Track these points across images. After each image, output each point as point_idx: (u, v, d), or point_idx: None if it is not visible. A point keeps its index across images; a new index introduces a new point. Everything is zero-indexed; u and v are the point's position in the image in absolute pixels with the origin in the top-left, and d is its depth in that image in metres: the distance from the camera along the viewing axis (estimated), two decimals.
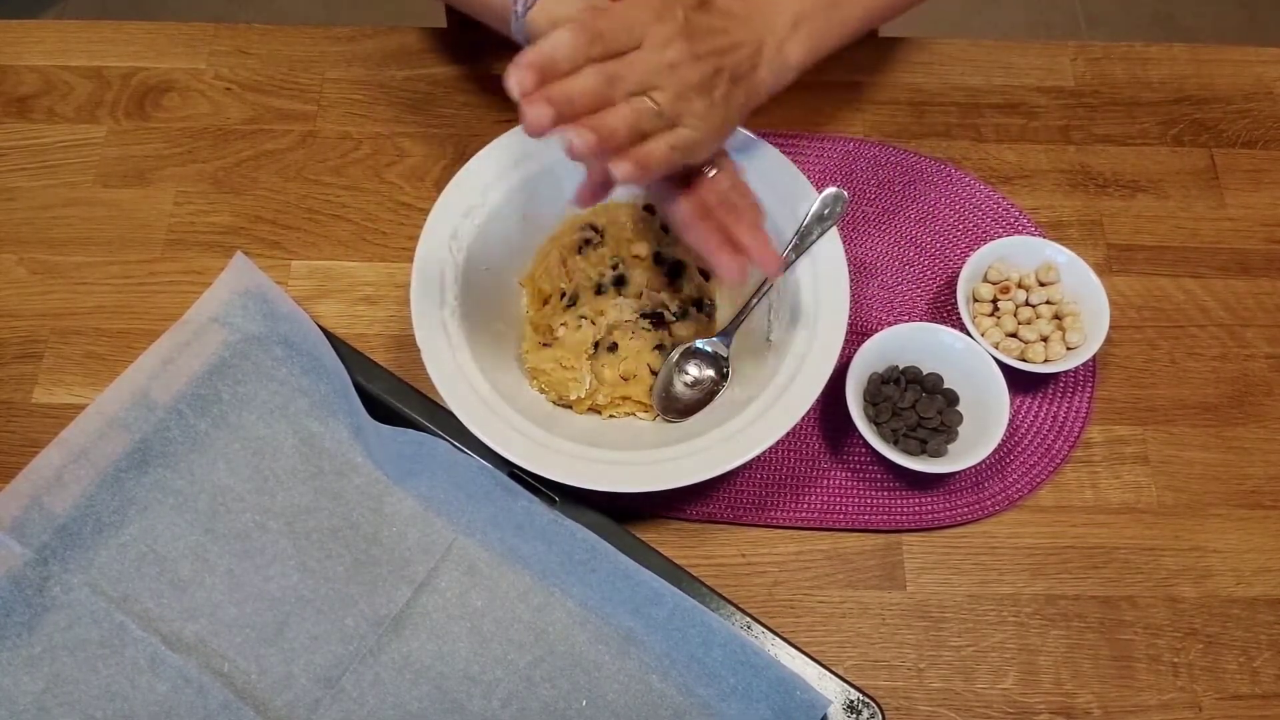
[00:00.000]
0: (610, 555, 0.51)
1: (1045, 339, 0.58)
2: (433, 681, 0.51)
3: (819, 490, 0.57)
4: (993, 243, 0.60)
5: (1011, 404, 0.54)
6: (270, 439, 0.56)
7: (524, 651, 0.52)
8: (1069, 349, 0.58)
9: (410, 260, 0.54)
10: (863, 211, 0.65)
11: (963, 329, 0.58)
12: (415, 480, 0.55)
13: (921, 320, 0.60)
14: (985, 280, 0.61)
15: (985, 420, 0.55)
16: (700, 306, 0.59)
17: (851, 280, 0.54)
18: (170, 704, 0.50)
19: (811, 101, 0.69)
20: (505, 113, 0.68)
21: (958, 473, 0.57)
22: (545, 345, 0.57)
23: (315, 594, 0.53)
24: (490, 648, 0.52)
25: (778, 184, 0.57)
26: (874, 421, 0.56)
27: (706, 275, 0.60)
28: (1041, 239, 0.61)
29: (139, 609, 0.52)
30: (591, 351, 0.57)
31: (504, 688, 0.51)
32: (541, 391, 0.57)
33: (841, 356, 0.52)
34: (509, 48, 0.74)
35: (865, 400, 0.57)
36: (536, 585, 0.53)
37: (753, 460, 0.50)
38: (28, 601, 0.51)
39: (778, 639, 0.50)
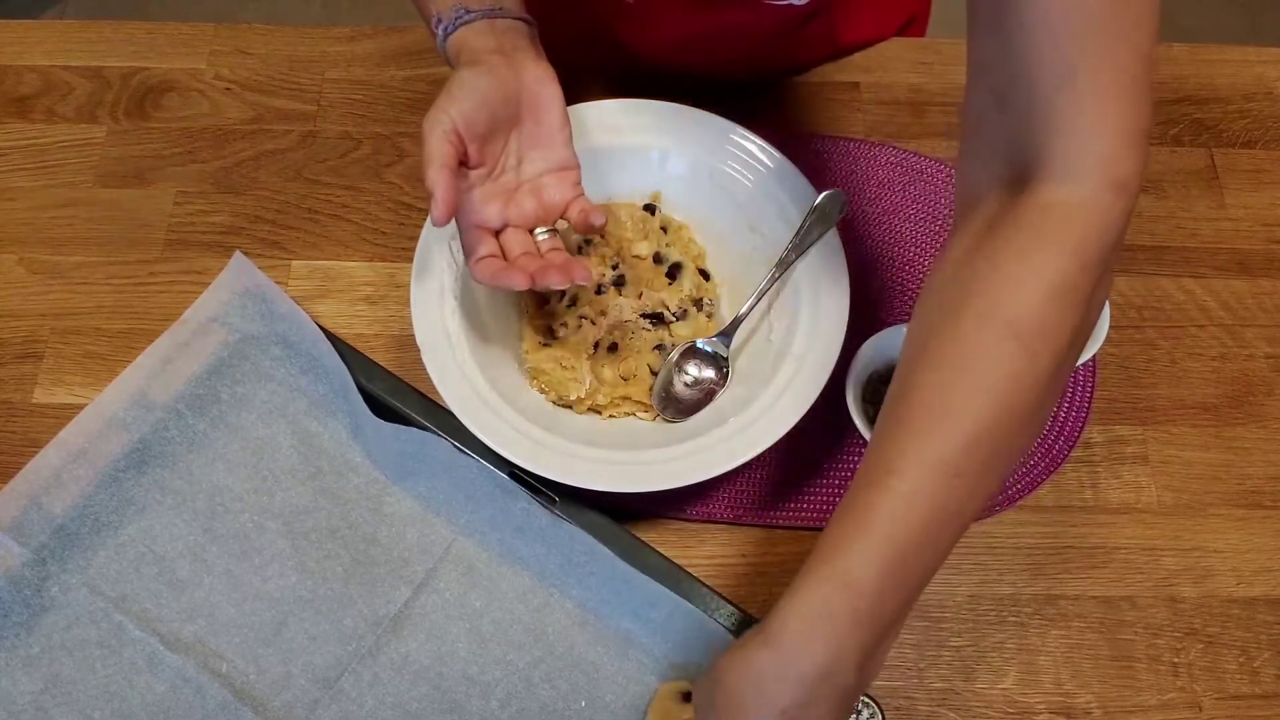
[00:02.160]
0: (609, 558, 0.51)
1: None
2: (431, 682, 0.51)
3: (819, 490, 0.57)
4: None
5: None
6: (269, 439, 0.56)
7: (523, 652, 0.52)
8: None
9: (410, 260, 0.54)
10: (863, 211, 0.65)
11: None
12: (414, 480, 0.55)
13: None
14: None
15: None
16: (700, 306, 0.58)
17: (851, 280, 0.54)
18: (168, 704, 0.50)
19: (811, 101, 0.69)
20: None
21: None
22: (545, 345, 0.57)
23: (314, 594, 0.53)
24: (489, 648, 0.52)
25: (778, 184, 0.57)
26: (874, 421, 0.56)
27: (706, 275, 0.60)
28: None
29: (137, 609, 0.52)
30: (591, 351, 0.56)
31: (503, 688, 0.51)
32: (541, 391, 0.57)
33: (841, 356, 0.52)
34: None
35: (865, 400, 0.57)
36: (535, 586, 0.53)
37: (753, 460, 0.50)
38: (26, 602, 0.51)
39: None
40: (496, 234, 0.49)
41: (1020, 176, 0.38)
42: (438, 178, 0.44)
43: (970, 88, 0.40)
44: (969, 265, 0.38)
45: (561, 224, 0.52)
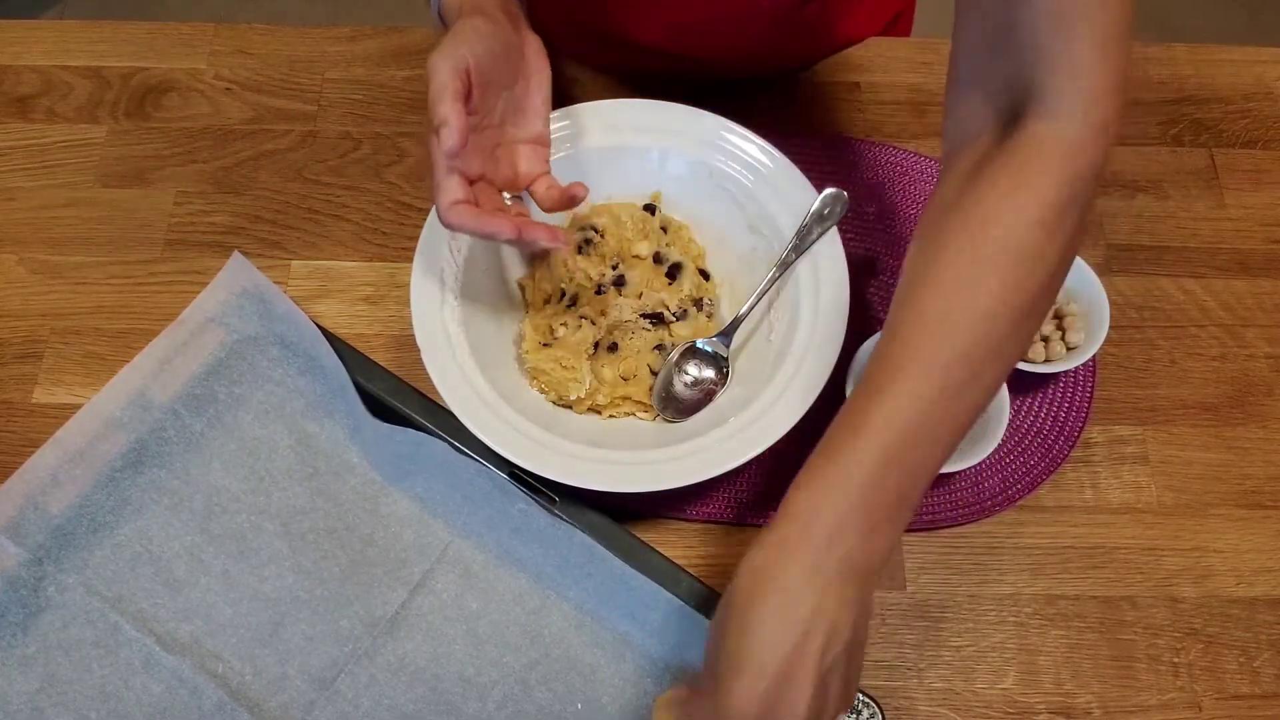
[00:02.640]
0: (607, 559, 0.50)
1: (1045, 339, 0.58)
2: (428, 683, 0.51)
3: None
4: None
5: (1011, 404, 0.54)
6: (266, 439, 0.56)
7: (520, 654, 0.52)
8: (1069, 349, 0.58)
9: (410, 260, 0.54)
10: (863, 211, 0.65)
11: None
12: (412, 481, 0.55)
13: None
14: None
15: (985, 420, 0.55)
16: (700, 306, 0.58)
17: (851, 280, 0.54)
18: (164, 705, 0.50)
19: (811, 101, 0.69)
20: None
21: (958, 473, 0.57)
22: (545, 345, 0.57)
23: (310, 595, 0.53)
24: (486, 650, 0.52)
25: (778, 184, 0.57)
26: None
27: (706, 275, 0.60)
28: None
29: (134, 609, 0.52)
30: (591, 351, 0.56)
31: (499, 690, 0.51)
32: (541, 391, 0.56)
33: (841, 356, 0.52)
34: None
35: None
36: (533, 588, 0.53)
37: (753, 460, 0.50)
38: (22, 602, 0.51)
39: None
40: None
41: (1013, 116, 0.41)
42: (451, 109, 0.44)
43: (962, 36, 0.43)
44: (960, 201, 0.41)
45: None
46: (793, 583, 0.37)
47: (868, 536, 0.38)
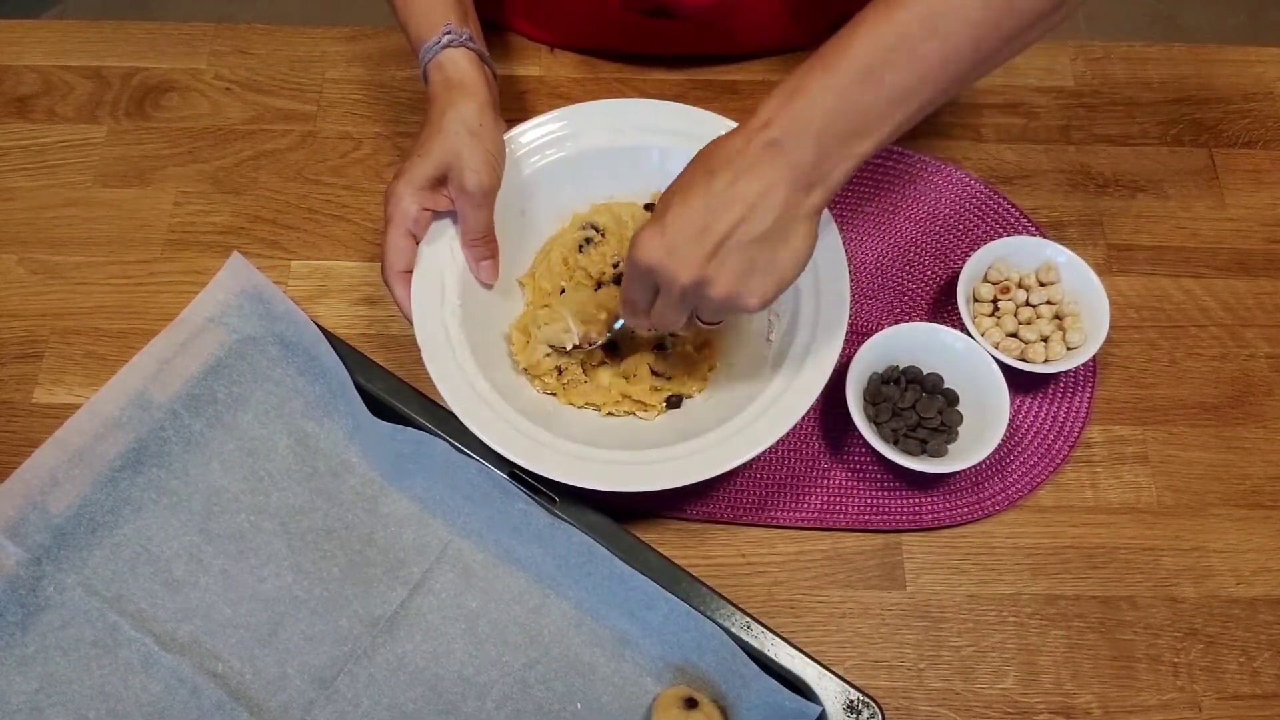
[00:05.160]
0: (606, 559, 0.50)
1: (1045, 339, 0.58)
2: (427, 683, 0.51)
3: (819, 490, 0.57)
4: (993, 243, 0.60)
5: (1011, 404, 0.54)
6: (265, 439, 0.56)
7: (519, 653, 0.52)
8: (1069, 349, 0.58)
9: None
10: (863, 211, 0.65)
11: (963, 329, 0.57)
12: (411, 481, 0.55)
13: (921, 320, 0.60)
14: (985, 280, 0.60)
15: (985, 420, 0.55)
16: None
17: (851, 280, 0.54)
18: (164, 704, 0.50)
19: None
20: (504, 114, 0.68)
21: (957, 473, 0.57)
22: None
23: (310, 594, 0.53)
24: (485, 649, 0.52)
25: None
26: (874, 421, 0.56)
27: None
28: (1041, 239, 0.61)
29: (133, 609, 0.52)
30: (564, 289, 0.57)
31: (498, 689, 0.51)
32: (541, 392, 0.56)
33: (841, 356, 0.52)
34: (505, 50, 0.74)
35: (865, 400, 0.57)
36: (532, 587, 0.53)
37: (753, 460, 0.50)
38: (21, 601, 0.51)
39: (778, 639, 0.50)
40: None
41: None
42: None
43: None
44: None
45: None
46: (735, 163, 0.41)
47: (819, 147, 0.42)
